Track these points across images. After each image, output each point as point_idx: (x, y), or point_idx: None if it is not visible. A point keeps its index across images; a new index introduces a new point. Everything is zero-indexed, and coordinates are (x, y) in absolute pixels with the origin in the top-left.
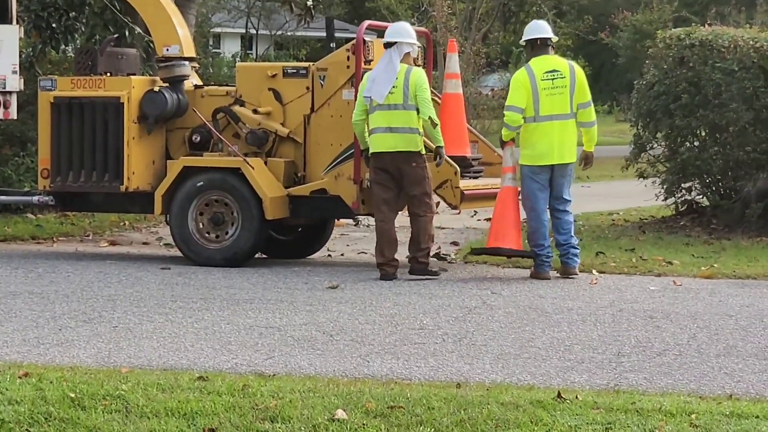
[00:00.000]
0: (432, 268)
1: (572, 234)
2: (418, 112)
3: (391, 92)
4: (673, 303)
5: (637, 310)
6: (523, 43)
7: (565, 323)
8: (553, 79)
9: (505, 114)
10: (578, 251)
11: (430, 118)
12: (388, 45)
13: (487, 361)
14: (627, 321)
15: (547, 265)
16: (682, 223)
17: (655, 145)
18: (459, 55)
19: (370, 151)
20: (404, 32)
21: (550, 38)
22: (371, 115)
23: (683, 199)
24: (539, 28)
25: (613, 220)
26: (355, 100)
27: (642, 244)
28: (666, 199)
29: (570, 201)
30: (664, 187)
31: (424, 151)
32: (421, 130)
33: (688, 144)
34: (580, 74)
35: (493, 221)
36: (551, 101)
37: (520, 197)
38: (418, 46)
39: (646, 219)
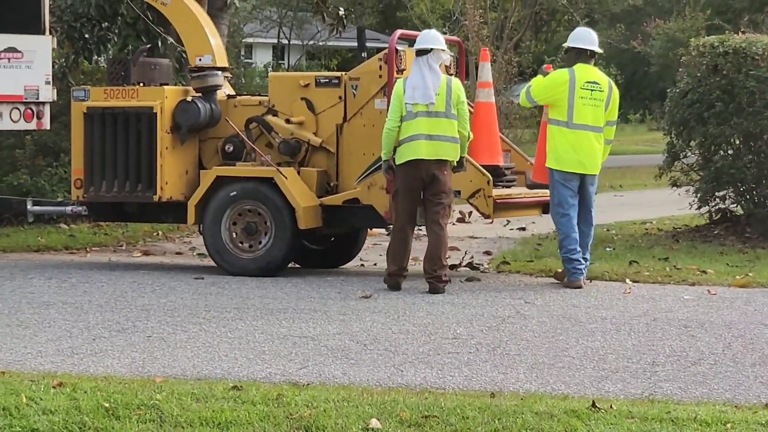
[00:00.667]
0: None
1: (589, 249)
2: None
3: (432, 100)
4: (708, 312)
5: (671, 320)
6: (567, 47)
7: (599, 332)
8: (592, 90)
9: (524, 93)
10: (587, 265)
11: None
12: (421, 52)
13: (521, 370)
14: (661, 330)
15: (580, 272)
16: (716, 232)
17: (689, 154)
18: (491, 65)
19: (406, 158)
20: (438, 40)
21: (597, 51)
22: (410, 122)
23: (717, 207)
24: (591, 39)
25: (647, 229)
26: (388, 108)
27: (676, 253)
28: (700, 207)
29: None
30: (698, 195)
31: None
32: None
33: (722, 152)
34: (616, 92)
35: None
36: (586, 111)
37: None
38: (451, 55)
39: (679, 228)
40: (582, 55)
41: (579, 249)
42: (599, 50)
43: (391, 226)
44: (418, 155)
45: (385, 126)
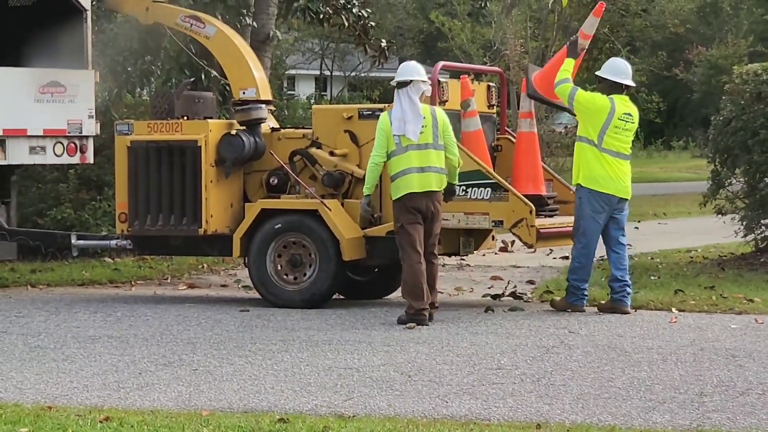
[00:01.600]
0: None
1: (628, 271)
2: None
3: (421, 131)
4: (755, 341)
5: (718, 349)
6: (601, 76)
7: (646, 363)
8: (626, 122)
9: (566, 87)
10: (631, 290)
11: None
12: (402, 84)
13: (566, 401)
14: (708, 360)
15: (586, 299)
16: (762, 260)
17: (734, 181)
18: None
19: (402, 192)
20: (418, 71)
21: (631, 86)
22: (401, 156)
23: (763, 235)
24: (627, 73)
25: (692, 258)
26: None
27: (721, 281)
28: (746, 235)
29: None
30: (744, 223)
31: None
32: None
33: (767, 180)
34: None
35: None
36: (618, 140)
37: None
38: (494, 85)
39: (725, 256)
40: (615, 87)
41: (588, 279)
42: (633, 84)
43: (403, 267)
44: (414, 188)
45: (371, 161)
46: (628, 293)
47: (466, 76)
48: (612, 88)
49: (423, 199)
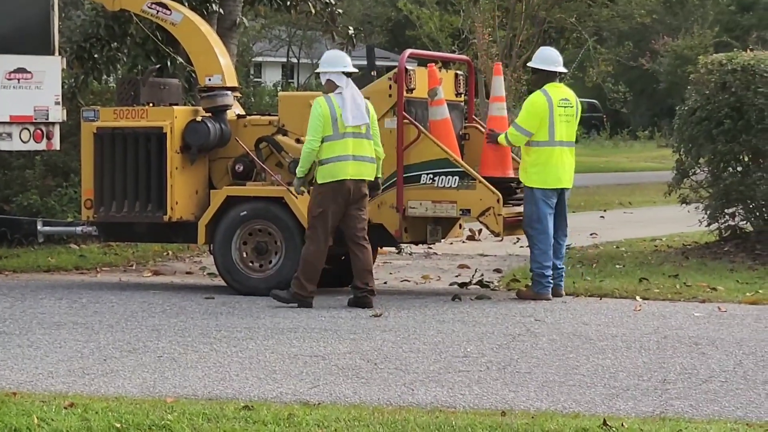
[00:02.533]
0: None
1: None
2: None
3: (366, 121)
4: (719, 329)
5: (681, 337)
6: (535, 67)
7: (610, 350)
8: (565, 107)
9: (512, 132)
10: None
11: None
12: (349, 74)
13: (531, 388)
14: (672, 348)
15: (551, 286)
16: (726, 249)
17: (698, 171)
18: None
19: (332, 178)
20: (348, 60)
21: (565, 73)
22: (336, 141)
23: (727, 224)
24: (558, 60)
25: (656, 246)
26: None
27: (686, 270)
28: (709, 224)
29: None
30: (708, 212)
31: None
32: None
33: (731, 169)
34: (579, 106)
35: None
36: (562, 128)
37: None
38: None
39: (689, 245)
40: (551, 76)
41: (551, 264)
42: (564, 70)
43: (308, 247)
44: (344, 175)
45: (306, 146)
46: (562, 278)
47: (434, 64)
48: (547, 77)
49: (353, 184)
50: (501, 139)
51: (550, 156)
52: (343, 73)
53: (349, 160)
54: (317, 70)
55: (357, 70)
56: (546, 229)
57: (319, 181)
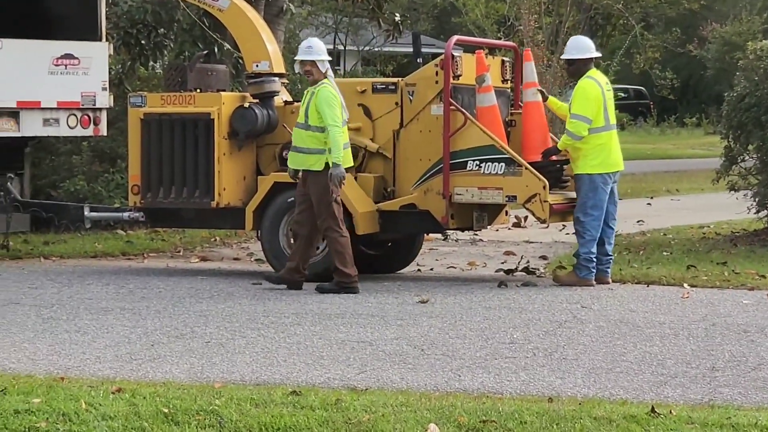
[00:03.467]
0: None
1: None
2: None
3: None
4: (767, 316)
5: (730, 324)
6: (569, 59)
7: (658, 337)
8: (608, 90)
9: (573, 123)
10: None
11: None
12: (327, 63)
13: (578, 375)
14: (720, 335)
15: (595, 272)
16: None
17: (747, 158)
18: (546, 69)
19: (348, 164)
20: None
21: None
22: (344, 128)
23: None
24: (592, 47)
25: (704, 234)
26: (445, 115)
27: (734, 257)
28: (758, 212)
29: None
30: (756, 199)
31: None
32: None
33: None
34: None
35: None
36: (612, 111)
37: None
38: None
39: (737, 232)
40: (588, 63)
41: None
42: (599, 54)
43: (334, 238)
44: (350, 162)
45: (336, 130)
46: (610, 265)
47: (481, 50)
48: (584, 65)
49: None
50: (563, 141)
51: (609, 140)
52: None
53: (349, 147)
54: (310, 58)
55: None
56: (601, 215)
57: (345, 166)
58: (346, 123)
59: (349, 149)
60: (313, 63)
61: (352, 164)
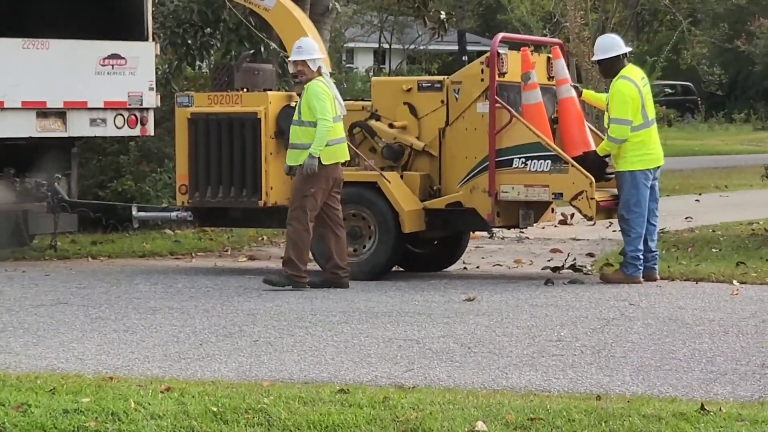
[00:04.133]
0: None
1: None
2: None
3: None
4: None
5: None
6: (600, 59)
7: (707, 334)
8: (645, 84)
9: (613, 129)
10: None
11: None
12: (317, 60)
13: (627, 372)
14: None
15: (642, 269)
16: None
17: None
18: (592, 66)
19: (335, 159)
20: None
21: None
22: (337, 123)
23: None
24: (620, 44)
25: (753, 230)
26: (490, 113)
27: None
28: None
29: None
30: None
31: None
32: None
33: None
34: None
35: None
36: (650, 106)
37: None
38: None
39: None
40: (618, 61)
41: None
42: (629, 49)
43: (295, 227)
44: (343, 157)
45: (325, 124)
46: (656, 262)
47: (527, 48)
48: (615, 63)
49: (339, 168)
50: (602, 146)
51: (648, 137)
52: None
53: (344, 142)
54: (301, 58)
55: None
56: (644, 212)
57: (324, 162)
58: (341, 119)
59: (344, 144)
60: (303, 63)
61: (347, 158)
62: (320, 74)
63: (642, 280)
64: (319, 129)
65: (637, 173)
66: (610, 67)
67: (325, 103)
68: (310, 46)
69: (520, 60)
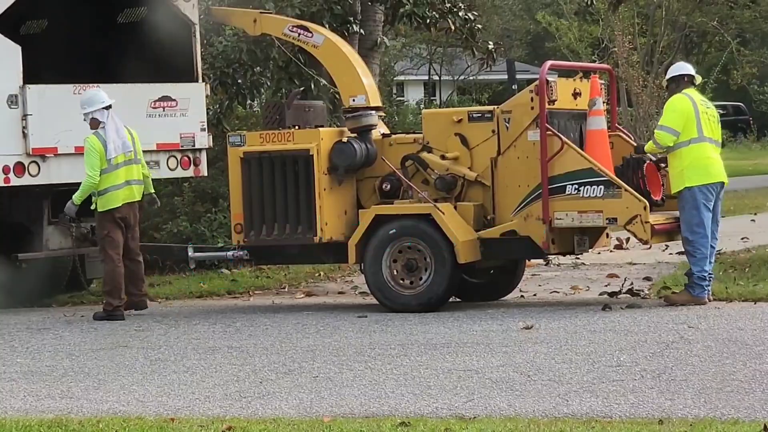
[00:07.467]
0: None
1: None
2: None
3: (130, 149)
4: None
5: None
6: (667, 81)
7: (767, 355)
8: (707, 107)
9: (658, 134)
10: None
11: None
12: (109, 107)
13: (688, 396)
14: None
15: (708, 290)
16: None
17: None
18: (642, 90)
19: (111, 206)
20: (104, 95)
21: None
22: (111, 173)
23: None
24: (689, 67)
25: None
26: (541, 140)
27: None
28: None
29: None
30: None
31: None
32: None
33: None
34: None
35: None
36: (708, 126)
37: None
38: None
39: None
40: (683, 83)
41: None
42: (694, 74)
43: (105, 268)
44: (118, 202)
45: (88, 180)
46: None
47: (596, 75)
48: (679, 85)
49: (128, 208)
50: (649, 146)
51: (704, 151)
52: (104, 108)
53: (122, 188)
54: (83, 112)
55: (113, 101)
56: (707, 232)
57: (99, 210)
58: (123, 165)
59: (123, 189)
60: (86, 115)
61: (127, 201)
62: (97, 125)
63: (707, 301)
64: (84, 182)
65: (695, 191)
66: (674, 89)
67: (90, 159)
68: (84, 101)
69: (590, 87)
